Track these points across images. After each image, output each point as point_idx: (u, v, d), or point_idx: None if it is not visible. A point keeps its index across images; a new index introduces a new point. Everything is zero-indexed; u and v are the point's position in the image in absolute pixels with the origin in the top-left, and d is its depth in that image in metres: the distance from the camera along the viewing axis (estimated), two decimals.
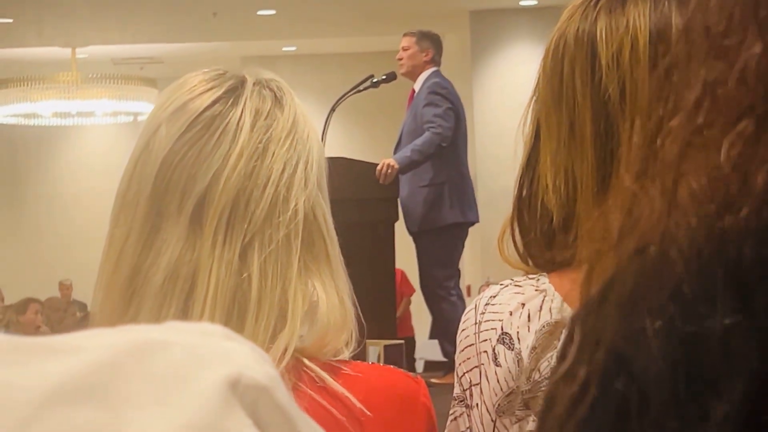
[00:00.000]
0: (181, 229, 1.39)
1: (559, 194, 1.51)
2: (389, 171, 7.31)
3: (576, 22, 1.52)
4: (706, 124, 0.62)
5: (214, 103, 1.43)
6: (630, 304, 0.61)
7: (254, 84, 1.46)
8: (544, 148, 1.54)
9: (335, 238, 1.46)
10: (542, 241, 1.55)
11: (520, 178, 1.58)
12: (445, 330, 7.74)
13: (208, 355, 0.64)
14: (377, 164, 7.35)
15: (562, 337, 0.64)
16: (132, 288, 1.39)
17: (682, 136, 0.63)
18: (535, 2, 11.84)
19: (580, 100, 1.49)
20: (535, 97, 1.56)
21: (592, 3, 1.53)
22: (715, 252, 0.60)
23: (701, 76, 0.63)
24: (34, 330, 10.12)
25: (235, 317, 1.37)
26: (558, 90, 1.51)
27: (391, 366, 1.52)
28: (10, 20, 12.05)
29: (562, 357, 0.63)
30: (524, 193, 1.57)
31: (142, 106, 13.59)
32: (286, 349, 1.36)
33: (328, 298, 1.41)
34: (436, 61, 8.01)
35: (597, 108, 1.48)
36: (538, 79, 1.56)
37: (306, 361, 1.40)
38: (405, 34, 8.10)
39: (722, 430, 0.56)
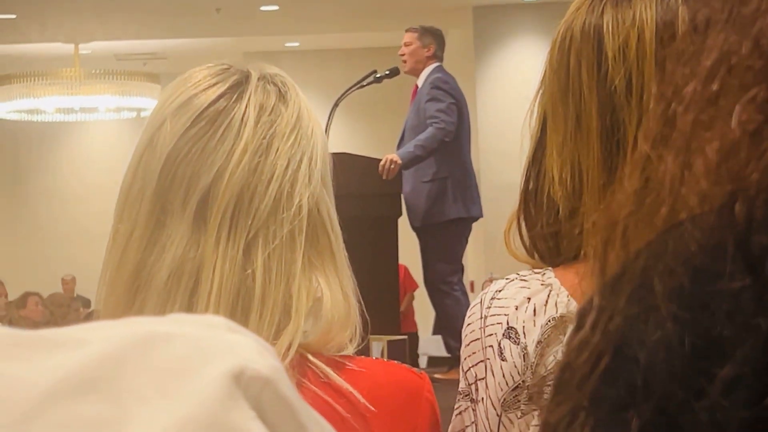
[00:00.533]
0: (186, 225, 1.38)
1: (565, 187, 1.51)
2: (392, 166, 7.32)
3: (583, 15, 1.52)
4: (721, 91, 0.63)
5: (218, 98, 1.43)
6: (643, 274, 0.61)
7: (259, 79, 1.46)
8: (550, 141, 1.54)
9: (339, 233, 1.46)
10: (548, 234, 1.55)
11: (527, 171, 1.58)
12: (448, 325, 7.74)
13: (212, 348, 0.64)
14: (380, 160, 7.36)
15: (581, 305, 0.65)
16: (136, 284, 1.39)
17: (696, 103, 0.63)
18: None
19: (586, 92, 1.49)
20: (541, 91, 1.56)
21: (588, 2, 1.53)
22: (725, 217, 0.60)
23: (718, 43, 0.64)
24: (35, 324, 10.12)
25: (239, 313, 1.37)
26: (564, 83, 1.52)
27: (395, 361, 1.52)
28: (13, 16, 12.06)
29: (579, 327, 0.64)
30: (530, 186, 1.57)
31: (145, 102, 13.60)
32: (290, 345, 1.36)
33: (332, 293, 1.41)
34: (438, 56, 8.02)
35: (603, 100, 1.48)
36: (545, 72, 1.56)
37: (310, 356, 1.40)
38: (407, 30, 8.11)
39: (729, 391, 0.57)
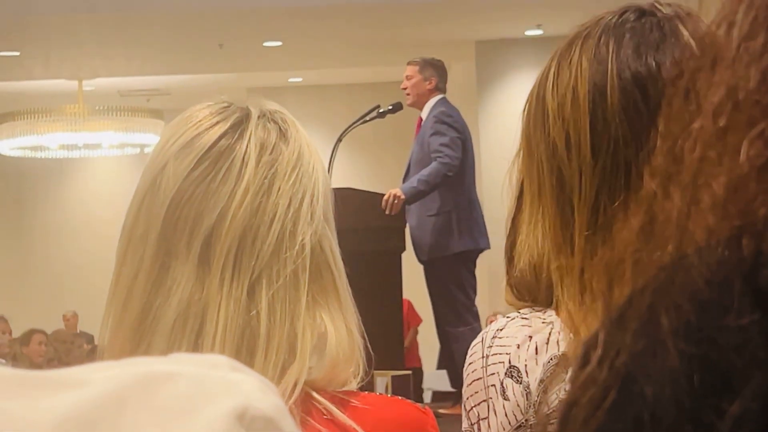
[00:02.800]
0: (191, 267, 1.38)
1: (534, 246, 1.54)
2: (395, 201, 7.31)
3: (537, 82, 1.58)
4: (728, 127, 0.62)
5: (220, 138, 1.43)
6: (650, 309, 0.61)
7: (259, 117, 1.46)
8: (525, 202, 1.57)
9: (342, 268, 1.46)
10: (522, 288, 1.58)
11: (507, 237, 1.62)
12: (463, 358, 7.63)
13: (215, 387, 0.64)
14: (384, 194, 7.36)
15: (586, 341, 0.65)
16: (142, 327, 1.39)
17: (704, 139, 0.63)
18: (540, 32, 11.87)
19: (541, 154, 1.53)
20: (519, 156, 1.60)
21: (548, 64, 1.58)
22: (732, 252, 0.60)
23: (725, 79, 0.64)
24: (39, 361, 10.11)
25: (244, 354, 1.36)
26: (528, 147, 1.56)
27: (399, 397, 1.51)
28: (17, 53, 12.10)
29: (584, 363, 0.64)
30: (509, 250, 1.60)
31: (149, 138, 13.61)
32: (295, 384, 1.36)
33: (337, 330, 1.41)
34: (440, 88, 8.00)
35: (549, 159, 1.52)
36: (520, 137, 1.60)
37: (314, 394, 1.40)
38: (408, 63, 8.10)
39: (738, 427, 0.56)
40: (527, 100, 1.58)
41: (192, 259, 1.38)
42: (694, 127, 0.65)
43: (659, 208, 0.65)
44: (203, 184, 1.40)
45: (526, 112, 1.58)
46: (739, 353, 0.58)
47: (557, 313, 1.52)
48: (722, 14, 0.66)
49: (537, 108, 1.54)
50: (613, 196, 1.45)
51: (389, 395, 1.52)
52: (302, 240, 1.40)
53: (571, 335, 1.47)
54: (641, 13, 1.53)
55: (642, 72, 1.47)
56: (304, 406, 1.38)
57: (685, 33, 1.50)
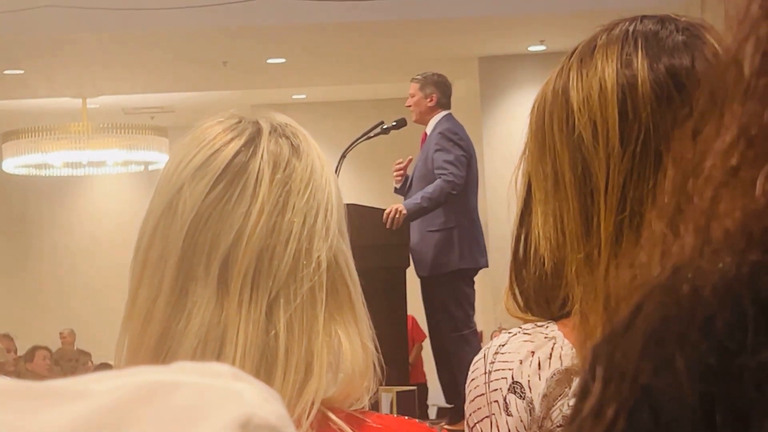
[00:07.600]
0: (210, 290, 1.38)
1: (549, 241, 1.53)
2: (397, 216, 7.31)
3: (553, 80, 1.58)
4: (741, 164, 0.62)
5: (234, 156, 1.41)
6: (658, 337, 0.61)
7: (270, 132, 1.45)
8: (535, 200, 1.56)
9: (357, 281, 1.45)
10: (538, 291, 1.56)
11: (516, 231, 1.60)
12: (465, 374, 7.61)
13: (218, 396, 0.64)
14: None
15: (582, 370, 0.64)
16: (162, 351, 1.38)
17: (716, 177, 0.63)
18: (543, 48, 11.89)
19: (559, 147, 1.54)
20: (525, 155, 1.59)
21: (565, 62, 1.58)
22: (746, 287, 0.59)
23: (737, 115, 0.63)
24: (42, 378, 10.11)
25: (263, 375, 1.36)
26: (541, 142, 1.56)
27: (416, 420, 1.51)
28: (22, 71, 12.13)
29: (584, 393, 0.63)
30: (520, 246, 1.59)
31: (153, 156, 13.62)
32: (313, 402, 1.36)
33: (352, 346, 1.40)
34: (442, 103, 7.95)
35: (573, 152, 1.52)
36: (527, 137, 1.59)
37: (330, 414, 1.39)
38: (411, 81, 8.10)
39: None
40: (538, 99, 1.58)
41: (211, 282, 1.38)
42: (705, 165, 0.64)
43: (669, 245, 0.64)
44: (219, 206, 1.39)
45: (537, 110, 1.58)
46: (755, 390, 0.57)
47: (570, 315, 1.52)
48: (729, 52, 0.66)
49: (555, 103, 1.54)
50: (642, 182, 1.46)
51: (396, 414, 1.52)
52: (318, 257, 1.40)
53: (584, 339, 1.47)
54: (661, 19, 1.55)
55: (676, 64, 1.49)
56: (320, 427, 1.38)
57: (710, 38, 1.51)
